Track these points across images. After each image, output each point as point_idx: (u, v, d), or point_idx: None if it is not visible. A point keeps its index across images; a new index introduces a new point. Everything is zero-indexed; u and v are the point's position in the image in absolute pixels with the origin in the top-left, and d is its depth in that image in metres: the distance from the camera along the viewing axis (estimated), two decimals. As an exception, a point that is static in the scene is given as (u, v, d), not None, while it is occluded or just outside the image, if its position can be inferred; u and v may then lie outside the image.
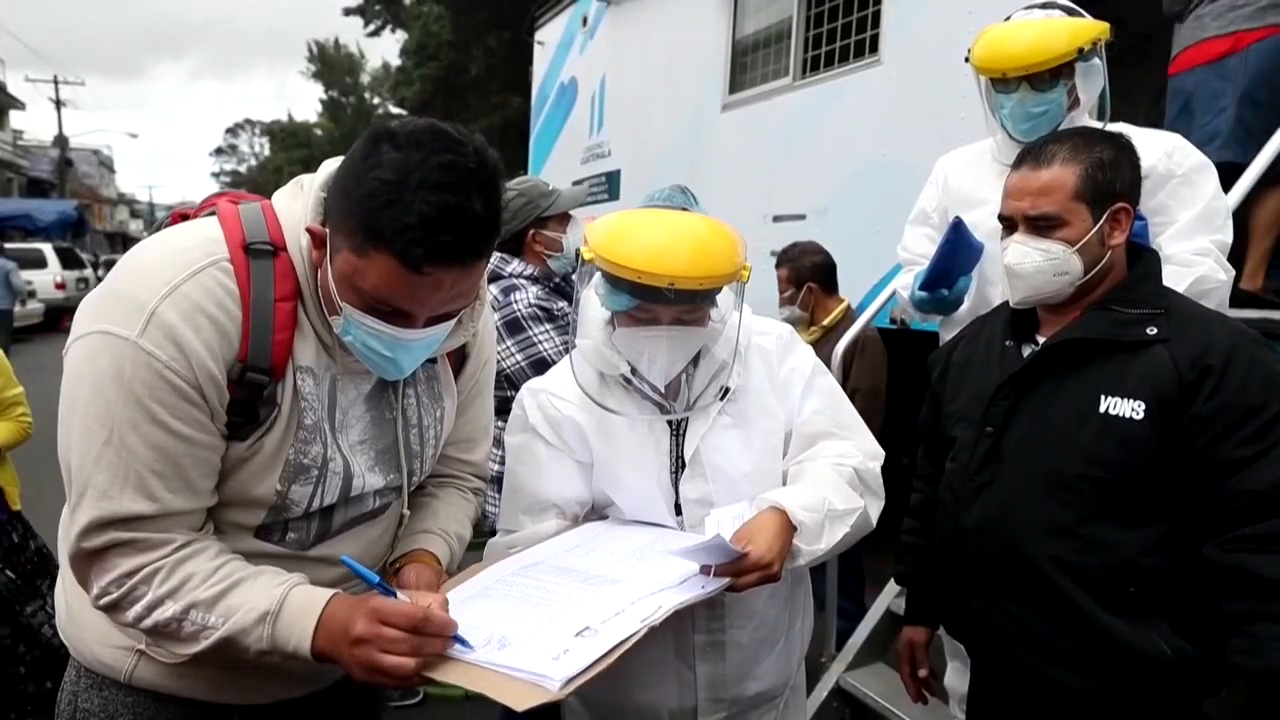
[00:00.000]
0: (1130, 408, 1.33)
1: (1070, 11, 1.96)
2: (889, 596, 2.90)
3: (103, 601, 1.06)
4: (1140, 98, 4.37)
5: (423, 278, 0.99)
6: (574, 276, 1.72)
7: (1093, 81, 1.93)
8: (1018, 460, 1.45)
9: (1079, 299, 1.46)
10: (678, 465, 1.43)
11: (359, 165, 1.00)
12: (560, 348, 2.23)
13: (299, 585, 1.08)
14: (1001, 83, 1.95)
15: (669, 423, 1.43)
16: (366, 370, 1.16)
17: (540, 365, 2.24)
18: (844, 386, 3.01)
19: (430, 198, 0.96)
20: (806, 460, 1.45)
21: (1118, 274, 1.46)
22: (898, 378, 3.30)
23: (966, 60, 2.01)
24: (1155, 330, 1.35)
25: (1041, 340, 1.49)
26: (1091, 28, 1.89)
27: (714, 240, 1.31)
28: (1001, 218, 1.51)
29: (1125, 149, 1.45)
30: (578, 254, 1.38)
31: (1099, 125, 1.96)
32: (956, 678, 2.42)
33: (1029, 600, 1.41)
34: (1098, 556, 1.34)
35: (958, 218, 2.05)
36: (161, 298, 1.01)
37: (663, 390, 1.43)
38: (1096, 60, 1.91)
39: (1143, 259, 1.49)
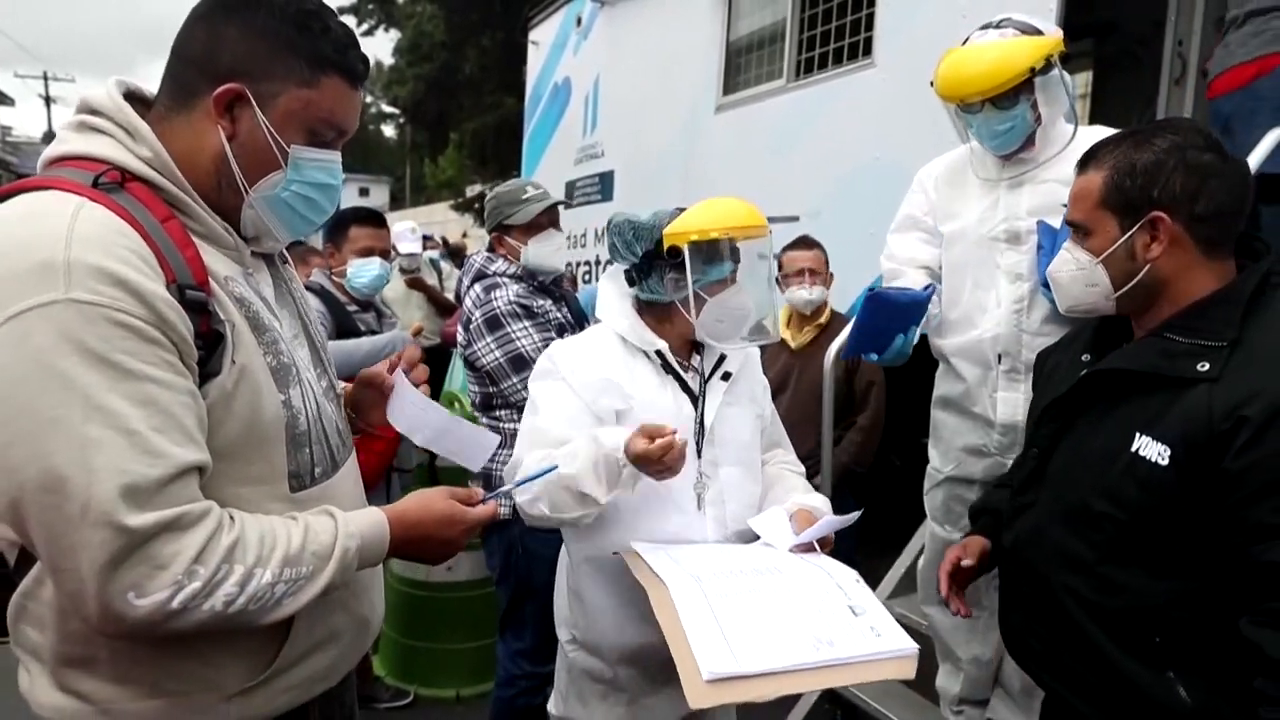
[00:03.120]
0: (1157, 451, 1.21)
1: (1024, 29, 1.98)
2: (880, 598, 2.90)
3: (178, 599, 0.90)
4: (1134, 100, 4.39)
5: (357, 93, 1.11)
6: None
7: (1054, 92, 1.97)
8: (1054, 488, 1.40)
9: (1150, 315, 1.33)
10: (699, 428, 1.68)
11: (267, 3, 1.02)
12: (539, 344, 2.24)
13: (337, 511, 1.08)
14: (965, 106, 1.99)
15: (689, 394, 1.69)
16: (257, 262, 1.15)
17: (518, 362, 2.25)
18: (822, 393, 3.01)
19: (339, 22, 1.07)
20: (772, 463, 1.84)
21: (1193, 291, 1.28)
22: (891, 380, 3.30)
23: (931, 85, 2.05)
24: (1206, 367, 1.20)
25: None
26: (1044, 45, 1.93)
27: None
28: None
29: (1180, 148, 1.26)
30: (658, 244, 1.61)
31: (1070, 129, 2.01)
32: (947, 679, 2.42)
33: (1052, 627, 1.38)
34: (1116, 598, 1.28)
35: (869, 288, 2.14)
36: (66, 245, 0.87)
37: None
38: (1054, 71, 1.95)
39: (1243, 275, 1.29)
